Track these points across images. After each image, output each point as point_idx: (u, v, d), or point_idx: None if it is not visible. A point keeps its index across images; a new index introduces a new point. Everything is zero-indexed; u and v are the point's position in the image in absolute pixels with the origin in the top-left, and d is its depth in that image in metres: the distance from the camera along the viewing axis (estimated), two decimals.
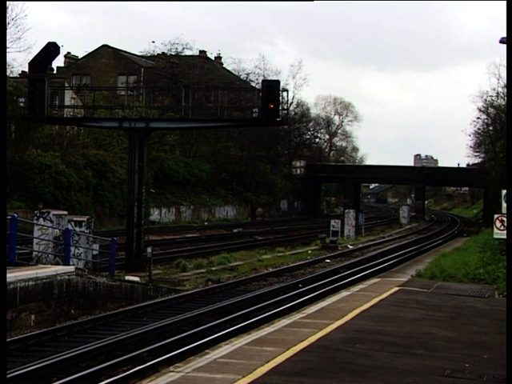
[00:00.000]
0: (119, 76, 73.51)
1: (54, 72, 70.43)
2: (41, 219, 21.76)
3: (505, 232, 21.85)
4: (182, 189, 64.45)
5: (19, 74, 58.83)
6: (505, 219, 21.90)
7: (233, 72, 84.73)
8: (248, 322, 15.89)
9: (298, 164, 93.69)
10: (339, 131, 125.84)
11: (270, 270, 29.45)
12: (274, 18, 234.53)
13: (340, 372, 9.15)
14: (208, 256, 33.45)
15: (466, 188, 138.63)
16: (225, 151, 75.20)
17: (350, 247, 42.03)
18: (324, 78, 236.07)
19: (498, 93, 60.48)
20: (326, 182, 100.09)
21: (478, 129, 72.51)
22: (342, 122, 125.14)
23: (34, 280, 16.03)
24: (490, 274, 23.01)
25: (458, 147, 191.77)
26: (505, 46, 23.00)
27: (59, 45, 40.51)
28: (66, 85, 61.24)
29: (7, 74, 46.13)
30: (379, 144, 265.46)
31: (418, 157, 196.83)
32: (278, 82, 30.39)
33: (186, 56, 75.22)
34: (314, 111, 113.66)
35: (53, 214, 22.05)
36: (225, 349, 10.47)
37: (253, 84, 76.53)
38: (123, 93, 51.88)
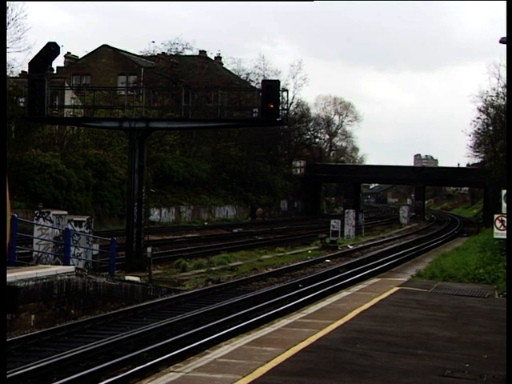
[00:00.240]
0: (119, 76, 73.53)
1: (54, 72, 70.45)
2: (41, 219, 21.76)
3: (505, 232, 21.86)
4: (182, 189, 64.46)
5: (19, 74, 58.80)
6: (505, 219, 21.90)
7: (233, 72, 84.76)
8: (248, 322, 15.89)
9: (298, 164, 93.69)
10: (339, 131, 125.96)
11: (270, 269, 29.44)
12: (274, 17, 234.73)
13: (340, 372, 9.15)
14: (208, 256, 33.44)
15: (466, 188, 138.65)
16: (225, 151, 75.21)
17: (350, 247, 42.03)
18: (324, 78, 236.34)
19: (497, 93, 60.56)
20: (326, 181, 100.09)
21: (478, 129, 72.56)
22: (342, 122, 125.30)
23: (34, 280, 16.02)
24: (490, 274, 23.01)
25: (458, 147, 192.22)
26: (505, 46, 23.00)
27: (59, 45, 40.64)
28: (66, 85, 61.25)
29: (7, 73, 46.14)
30: (379, 144, 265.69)
31: (418, 157, 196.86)
32: (278, 81, 30.39)
33: (186, 56, 75.23)
34: (313, 111, 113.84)
35: (53, 214, 22.05)
36: (225, 349, 10.47)
37: (253, 84, 76.59)
38: (123, 93, 51.95)
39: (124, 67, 74.47)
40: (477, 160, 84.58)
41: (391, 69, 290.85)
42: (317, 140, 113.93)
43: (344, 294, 17.81)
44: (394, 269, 28.32)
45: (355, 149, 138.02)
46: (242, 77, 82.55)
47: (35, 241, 21.89)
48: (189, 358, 10.30)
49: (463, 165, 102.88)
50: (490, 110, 67.03)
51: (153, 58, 75.92)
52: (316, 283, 23.90)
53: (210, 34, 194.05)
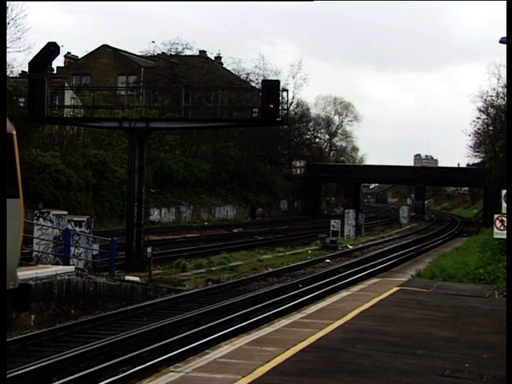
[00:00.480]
0: (119, 76, 73.54)
1: (54, 72, 70.45)
2: (41, 219, 21.77)
3: (505, 232, 21.86)
4: (182, 189, 64.45)
5: (19, 74, 58.80)
6: (505, 219, 21.90)
7: (233, 72, 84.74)
8: (248, 322, 15.89)
9: (297, 164, 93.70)
10: (339, 131, 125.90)
11: (270, 269, 29.45)
12: (274, 18, 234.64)
13: (340, 372, 9.15)
14: (208, 256, 33.44)
15: (466, 188, 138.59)
16: (225, 151, 75.20)
17: (350, 247, 42.02)
18: (324, 78, 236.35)
19: (497, 93, 60.48)
20: (325, 181, 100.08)
21: (478, 129, 72.46)
22: (342, 121, 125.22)
23: (34, 280, 16.03)
24: (490, 273, 23.01)
25: (458, 147, 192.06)
26: (505, 45, 23.00)
27: (59, 45, 40.57)
28: (66, 85, 61.25)
29: (7, 73, 46.12)
30: (379, 144, 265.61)
31: (417, 157, 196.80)
32: (277, 81, 30.41)
33: (186, 56, 75.23)
34: (313, 111, 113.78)
35: (53, 214, 22.06)
36: (225, 349, 10.47)
37: (253, 84, 76.55)
38: (123, 93, 51.87)
39: (124, 67, 74.48)
40: (477, 160, 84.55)
41: (391, 69, 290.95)
42: (317, 140, 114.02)
43: (344, 293, 17.81)
44: (394, 269, 28.33)
45: (355, 149, 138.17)
46: (241, 77, 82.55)
47: (35, 241, 21.89)
48: (189, 358, 10.31)
49: (463, 165, 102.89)
50: (490, 110, 66.99)
51: (153, 58, 75.93)
52: (316, 283, 23.90)
53: (210, 34, 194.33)
